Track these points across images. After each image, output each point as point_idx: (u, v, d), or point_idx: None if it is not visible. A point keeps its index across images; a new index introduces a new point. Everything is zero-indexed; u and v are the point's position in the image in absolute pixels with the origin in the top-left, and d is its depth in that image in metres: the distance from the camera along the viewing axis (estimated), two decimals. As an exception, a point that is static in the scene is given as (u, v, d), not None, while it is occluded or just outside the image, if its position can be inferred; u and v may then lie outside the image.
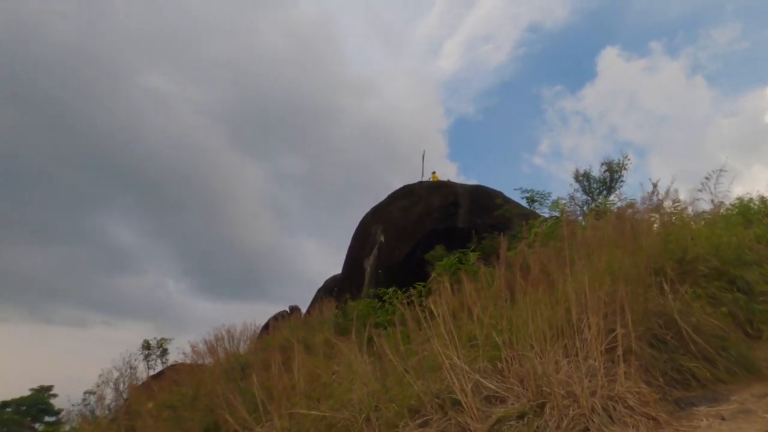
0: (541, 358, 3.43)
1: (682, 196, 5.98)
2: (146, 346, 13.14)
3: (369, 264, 10.09)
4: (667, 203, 5.84)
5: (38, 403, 17.27)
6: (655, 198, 5.88)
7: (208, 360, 9.20)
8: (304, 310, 16.39)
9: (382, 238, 10.15)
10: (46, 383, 19.15)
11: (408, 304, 5.78)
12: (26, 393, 18.52)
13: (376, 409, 3.88)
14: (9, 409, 16.57)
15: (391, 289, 7.70)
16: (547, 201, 9.36)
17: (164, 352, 13.65)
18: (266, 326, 14.20)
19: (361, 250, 10.88)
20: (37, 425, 16.44)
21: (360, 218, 12.60)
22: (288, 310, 17.15)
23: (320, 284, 16.71)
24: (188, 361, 9.69)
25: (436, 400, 3.51)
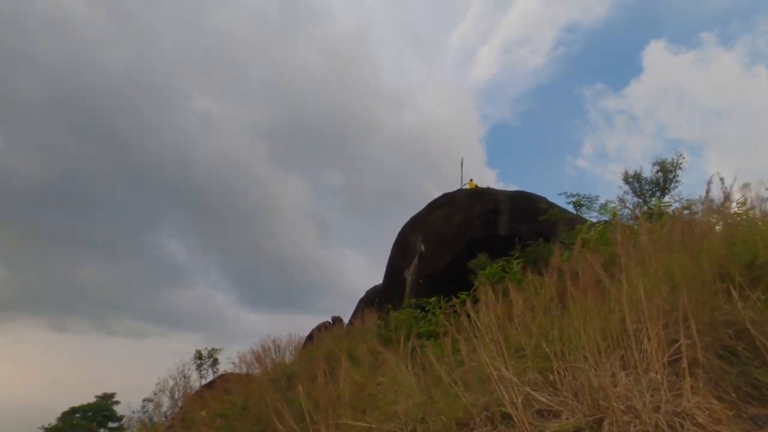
0: (596, 370, 3.26)
1: (746, 195, 5.52)
2: (198, 356, 13.72)
3: (410, 274, 10.06)
4: (730, 203, 5.40)
5: (103, 409, 18.47)
6: (716, 197, 5.46)
7: (256, 370, 9.46)
8: (346, 320, 16.54)
9: (423, 248, 10.10)
10: (109, 391, 20.47)
11: (451, 313, 5.69)
12: (92, 400, 19.87)
13: (422, 422, 3.83)
14: (78, 415, 17.83)
15: (433, 299, 7.61)
16: (594, 205, 8.95)
17: (215, 362, 14.20)
18: (310, 337, 14.43)
19: (402, 260, 10.87)
20: (102, 430, 17.56)
21: (399, 228, 12.63)
22: (330, 320, 17.35)
23: (361, 295, 16.79)
24: (237, 371, 10.00)
25: (485, 413, 3.41)
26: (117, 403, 18.80)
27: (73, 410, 18.04)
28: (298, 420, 4.86)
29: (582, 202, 8.94)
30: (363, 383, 5.70)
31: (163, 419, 13.17)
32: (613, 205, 8.52)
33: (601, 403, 3.02)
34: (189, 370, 14.48)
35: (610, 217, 7.91)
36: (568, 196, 9.19)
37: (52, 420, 18.62)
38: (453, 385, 3.87)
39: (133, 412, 16.58)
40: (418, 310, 8.22)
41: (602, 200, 8.96)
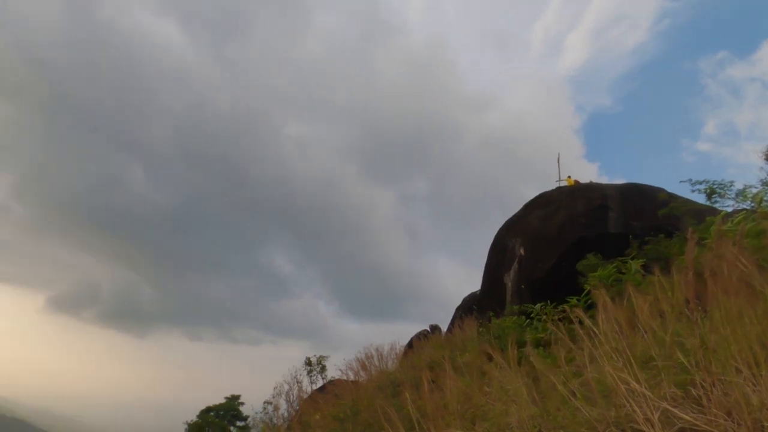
0: (754, 384, 2.75)
1: None
2: (308, 363, 14.66)
3: (510, 279, 9.58)
4: None
5: (231, 409, 20.70)
6: None
7: (362, 377, 9.79)
8: (443, 328, 16.38)
9: (522, 251, 9.55)
10: (235, 392, 22.87)
11: (561, 320, 5.29)
12: (222, 400, 22.36)
13: (539, 435, 3.59)
14: (212, 413, 20.24)
15: (538, 305, 7.15)
16: (730, 192, 7.61)
17: (323, 368, 15.03)
18: (410, 345, 14.55)
19: (500, 265, 10.42)
20: (232, 428, 19.66)
21: (493, 233, 12.15)
22: (428, 329, 17.33)
23: (456, 302, 16.53)
24: (345, 378, 10.46)
25: (614, 429, 3.08)
26: (242, 404, 20.93)
27: (208, 409, 20.52)
28: (408, 427, 4.90)
29: (715, 190, 7.64)
30: (469, 393, 5.56)
31: (282, 421, 14.28)
32: (755, 190, 7.18)
33: (765, 424, 2.54)
34: (300, 375, 15.53)
35: (753, 204, 6.68)
36: (694, 184, 7.94)
37: (192, 416, 21.40)
38: (571, 397, 3.57)
39: (256, 413, 18.23)
40: (523, 317, 7.78)
41: (739, 186, 7.57)
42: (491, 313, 8.86)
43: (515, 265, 9.60)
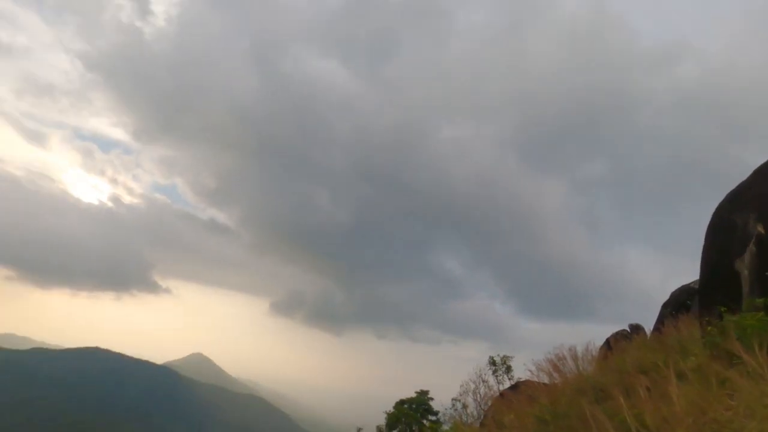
0: None
1: None
2: (492, 362, 14.52)
3: (745, 266, 7.48)
4: None
5: (422, 403, 21.98)
6: None
7: (555, 378, 9.16)
8: (646, 327, 14.26)
9: (761, 229, 7.37)
10: (423, 388, 24.22)
11: None
12: (412, 395, 23.97)
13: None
14: (405, 406, 21.90)
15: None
16: None
17: (508, 368, 14.66)
18: (607, 346, 12.99)
19: (726, 249, 8.27)
20: (424, 421, 20.87)
21: (700, 211, 9.79)
22: (628, 329, 15.22)
23: (658, 297, 14.13)
24: (535, 379, 9.97)
25: None
26: (432, 399, 22.00)
27: (402, 402, 22.27)
28: (625, 436, 4.38)
29: None
30: (703, 404, 4.63)
31: (472, 419, 14.44)
32: None
33: None
34: (485, 375, 15.48)
35: None
36: None
37: (386, 407, 23.56)
38: None
39: (446, 409, 18.94)
40: (773, 313, 6.01)
41: None
42: (722, 309, 7.09)
43: (752, 248, 7.45)
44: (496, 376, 14.47)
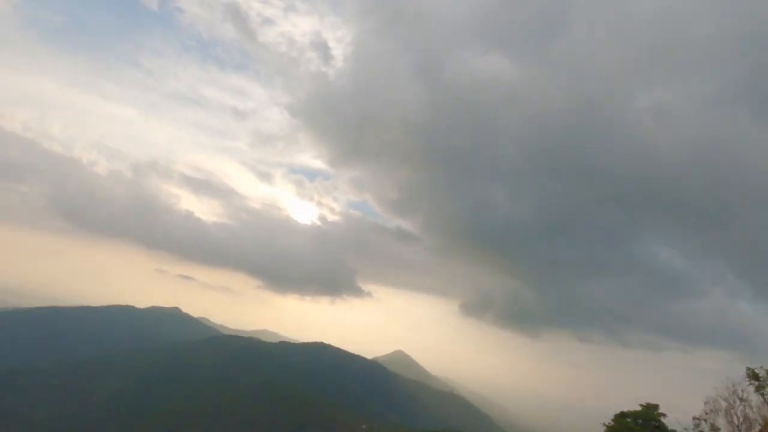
0: None
1: None
2: (753, 376, 11.38)
3: None
4: None
5: (651, 419, 18.63)
6: None
7: None
8: None
9: None
10: (649, 401, 20.60)
11: None
12: (633, 407, 20.63)
13: None
14: (629, 420, 18.98)
15: None
16: None
17: (780, 385, 11.17)
18: None
19: None
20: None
21: None
22: None
23: None
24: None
25: None
26: (663, 415, 18.43)
27: (624, 414, 19.39)
28: None
29: None
30: None
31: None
32: None
33: None
34: (743, 391, 12.27)
35: None
36: None
37: (602, 419, 20.92)
38: None
39: (685, 429, 15.77)
40: None
41: None
42: None
43: None
44: (762, 394, 11.19)
